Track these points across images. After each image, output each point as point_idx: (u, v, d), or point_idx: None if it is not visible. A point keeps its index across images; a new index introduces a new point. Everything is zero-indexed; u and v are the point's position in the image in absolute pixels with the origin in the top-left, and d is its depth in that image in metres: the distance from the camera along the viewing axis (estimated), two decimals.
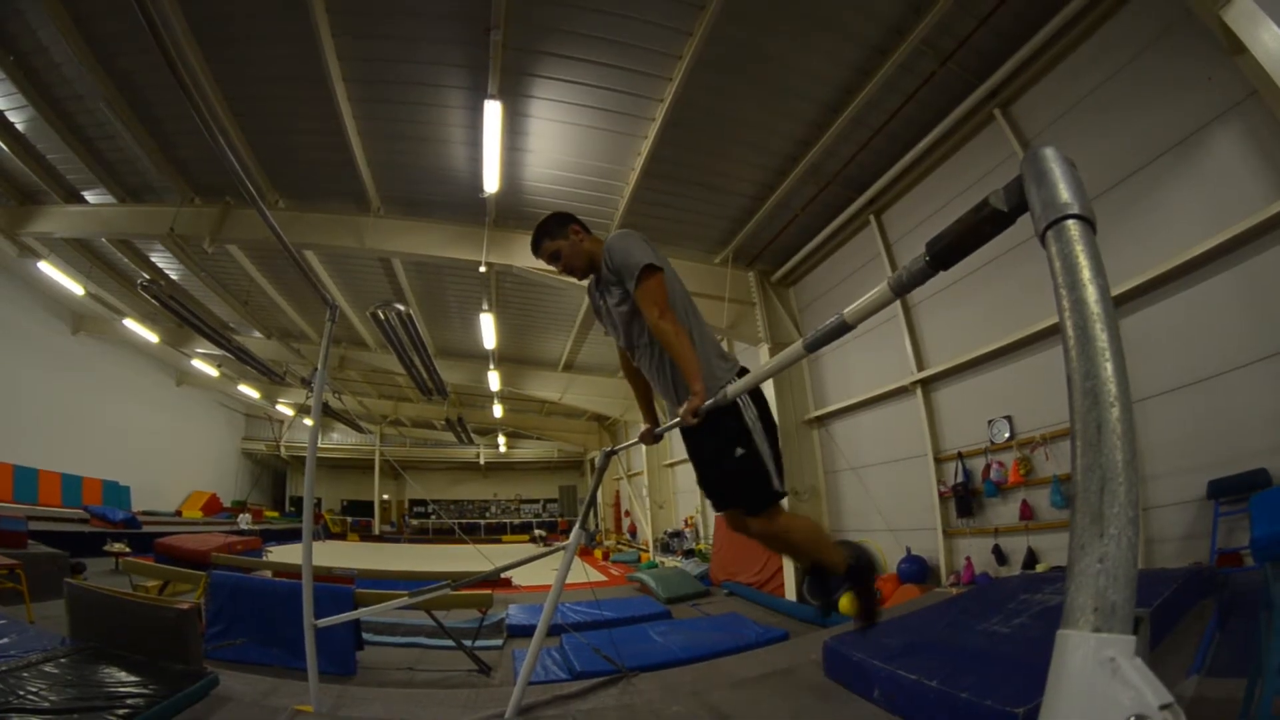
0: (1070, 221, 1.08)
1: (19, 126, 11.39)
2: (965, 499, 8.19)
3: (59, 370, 19.84)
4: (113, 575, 10.92)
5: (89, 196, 13.37)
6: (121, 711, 4.37)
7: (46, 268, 15.20)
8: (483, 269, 12.06)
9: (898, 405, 9.72)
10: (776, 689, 5.29)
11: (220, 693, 5.27)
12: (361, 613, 5.84)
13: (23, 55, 9.57)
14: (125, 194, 12.97)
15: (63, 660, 5.33)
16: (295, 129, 10.21)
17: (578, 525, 5.43)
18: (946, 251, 1.43)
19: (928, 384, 9.03)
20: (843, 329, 1.97)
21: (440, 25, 7.86)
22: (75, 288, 16.33)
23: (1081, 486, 0.92)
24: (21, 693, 4.46)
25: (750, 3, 6.95)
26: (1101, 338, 0.97)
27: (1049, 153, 1.15)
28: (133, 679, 4.98)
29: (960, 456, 8.38)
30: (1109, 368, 0.95)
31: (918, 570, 8.78)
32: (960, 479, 8.30)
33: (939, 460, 8.76)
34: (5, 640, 5.69)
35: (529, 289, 15.21)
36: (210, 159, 11.19)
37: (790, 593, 10.39)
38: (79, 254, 16.35)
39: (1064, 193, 1.11)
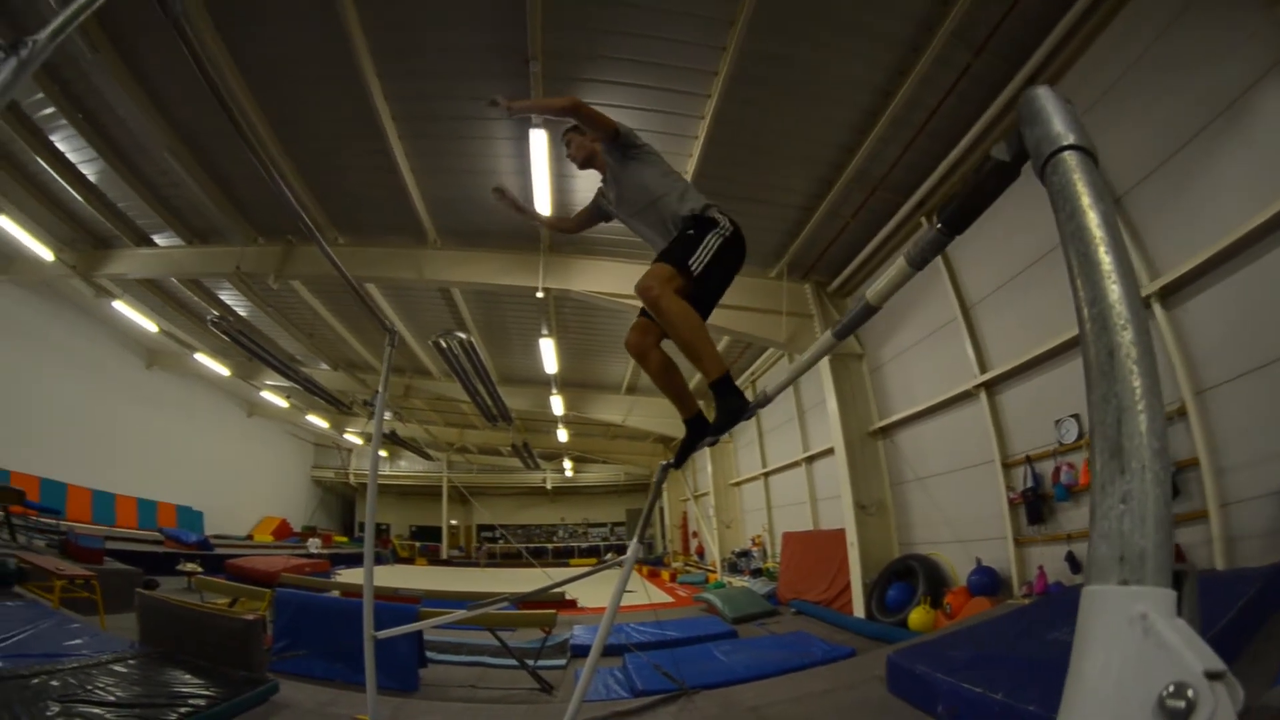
0: (1066, 153, 1.02)
1: (91, 177, 12.11)
2: (1035, 505, 7.80)
3: (135, 402, 20.94)
4: (185, 592, 11.33)
5: (158, 240, 14.06)
6: (183, 710, 4.65)
7: (121, 306, 16.15)
8: (540, 294, 12.22)
9: (962, 411, 9.37)
10: (837, 705, 5.16)
11: (280, 700, 5.50)
12: (419, 625, 5.94)
13: (90, 112, 10.19)
14: (192, 236, 13.60)
15: (131, 662, 5.67)
16: (350, 168, 10.58)
17: (634, 540, 5.41)
18: (958, 215, 1.38)
19: (991, 386, 8.69)
20: (867, 312, 1.92)
21: (480, 60, 8.08)
22: (149, 325, 17.39)
23: (1096, 421, 0.84)
24: (90, 688, 4.78)
25: (778, 14, 6.91)
26: (1105, 260, 0.90)
27: (1041, 92, 1.11)
28: (196, 681, 5.27)
29: (1029, 460, 7.98)
30: (1115, 290, 0.88)
31: (989, 582, 8.40)
32: (1029, 484, 7.90)
33: (1007, 465, 8.37)
34: (78, 641, 6.12)
35: (588, 313, 15.25)
36: (270, 200, 11.57)
37: (859, 609, 10.11)
38: (151, 293, 17.12)
39: (1056, 126, 1.06)
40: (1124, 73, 6.54)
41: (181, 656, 5.97)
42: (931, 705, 4.50)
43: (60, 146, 11.30)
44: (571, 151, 4.02)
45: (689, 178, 9.45)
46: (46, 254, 13.50)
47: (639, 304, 3.99)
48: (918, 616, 8.58)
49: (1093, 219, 0.93)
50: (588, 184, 10.04)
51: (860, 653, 7.41)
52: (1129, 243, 6.32)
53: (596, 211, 4.16)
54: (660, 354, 3.66)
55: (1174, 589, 0.72)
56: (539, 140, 8.64)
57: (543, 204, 9.78)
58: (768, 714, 5.00)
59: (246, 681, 5.55)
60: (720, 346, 15.83)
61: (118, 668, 5.50)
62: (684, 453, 3.87)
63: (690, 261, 3.23)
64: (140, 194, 12.21)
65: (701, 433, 3.60)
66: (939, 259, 9.35)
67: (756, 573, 15.94)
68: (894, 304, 10.22)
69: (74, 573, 9.03)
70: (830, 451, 12.02)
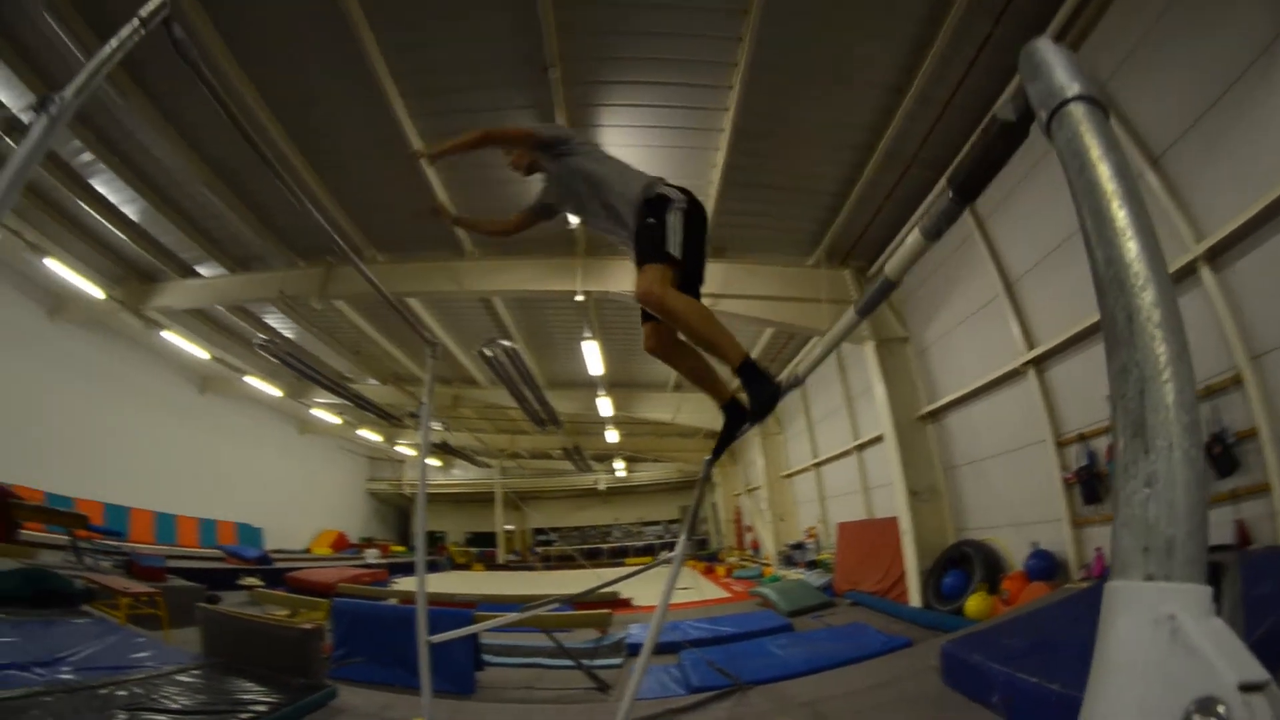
0: (1071, 105, 0.94)
1: (133, 216, 12.66)
2: (1090, 484, 7.47)
3: (191, 427, 21.67)
4: (246, 606, 11.67)
5: (202, 270, 14.58)
6: (244, 716, 4.85)
7: (170, 336, 16.81)
8: (579, 298, 12.30)
9: (1011, 390, 9.04)
10: (891, 698, 5.03)
11: (339, 705, 5.68)
12: (471, 629, 6.00)
13: (126, 154, 10.66)
14: (234, 264, 14.05)
15: (195, 672, 5.93)
16: (383, 188, 10.77)
17: (683, 536, 5.38)
18: (969, 181, 1.31)
19: (1040, 363, 8.31)
20: (887, 287, 1.85)
21: (499, 72, 8.16)
22: (199, 352, 18.01)
23: (1117, 394, 0.76)
24: (155, 697, 5.01)
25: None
26: (1119, 216, 0.81)
27: (1041, 44, 1.04)
28: (257, 689, 5.47)
29: (1082, 438, 7.65)
30: (1132, 247, 0.79)
31: (1046, 566, 8.06)
32: (1084, 462, 7.56)
33: (1060, 444, 8.02)
34: (144, 654, 6.40)
35: (630, 312, 15.10)
36: (308, 225, 11.64)
37: (915, 598, 9.88)
38: (200, 322, 17.78)
39: (1059, 78, 0.97)
40: (1152, 24, 6.17)
41: (242, 666, 6.17)
42: (987, 696, 4.33)
43: (101, 189, 11.83)
44: (516, 169, 4.07)
45: (718, 171, 9.48)
46: (97, 292, 14.01)
47: None
48: (974, 604, 8.31)
49: (1104, 172, 0.84)
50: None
51: (917, 643, 7.25)
52: (1169, 204, 6.02)
53: (540, 210, 4.18)
54: (681, 348, 3.62)
55: (1210, 584, 0.63)
56: None
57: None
58: (821, 709, 4.90)
59: (305, 688, 5.72)
60: (763, 339, 15.82)
61: (181, 678, 5.73)
62: (723, 443, 3.82)
63: (667, 248, 3.16)
64: (181, 228, 12.67)
65: (739, 420, 3.53)
66: (976, 233, 9.06)
67: (811, 565, 15.74)
68: (936, 283, 10.08)
69: (138, 590, 9.40)
70: (880, 438, 11.76)
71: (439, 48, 7.87)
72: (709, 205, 10.20)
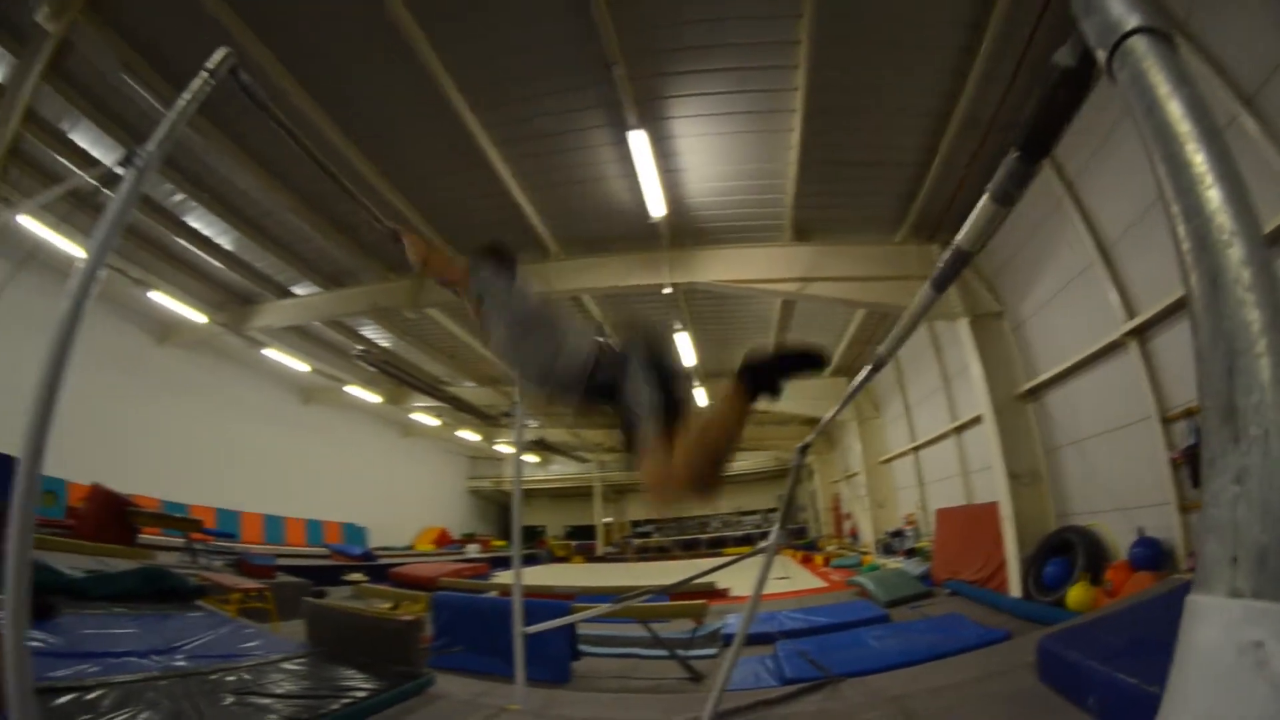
0: (1132, 39, 0.80)
1: (227, 246, 13.64)
2: (1199, 464, 6.78)
3: (296, 435, 23.10)
4: (350, 600, 12.26)
5: (297, 290, 15.51)
6: (345, 700, 5.13)
7: (272, 353, 18.18)
8: (667, 290, 12.35)
9: (1111, 364, 8.37)
10: (983, 695, 4.79)
11: (436, 691, 5.91)
12: (564, 620, 6.30)
13: (215, 190, 11.43)
14: (327, 282, 14.87)
15: (300, 661, 6.31)
16: (463, 198, 11.10)
17: (776, 526, 5.36)
18: (1035, 137, 1.18)
19: (1142, 333, 7.64)
20: (961, 258, 1.70)
21: (563, 75, 8.24)
22: (301, 366, 19.39)
23: (1203, 373, 0.64)
24: (262, 683, 5.37)
25: None
26: (1196, 160, 0.68)
27: None
28: (358, 676, 5.77)
29: (1189, 414, 7.01)
30: (1213, 197, 0.66)
31: (1152, 554, 7.41)
32: (1191, 440, 6.91)
33: (1165, 420, 7.37)
34: (253, 645, 6.88)
35: (720, 301, 15.22)
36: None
37: (1015, 588, 9.37)
38: (299, 338, 18.80)
39: (1116, 9, 0.83)
40: None
41: (345, 655, 6.48)
42: (1082, 697, 4.00)
43: (195, 225, 12.82)
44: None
45: (794, 153, 9.31)
46: (200, 318, 15.39)
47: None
48: (1076, 595, 7.76)
49: (1174, 111, 0.71)
50: (698, 174, 10.10)
51: (1015, 636, 6.88)
52: (1269, 148, 5.40)
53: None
54: (691, 445, 2.44)
55: None
56: (639, 141, 8.69)
57: (658, 202, 10.06)
58: (910, 704, 4.71)
59: (404, 675, 5.97)
60: (854, 321, 15.73)
61: (287, 666, 6.08)
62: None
63: (643, 407, 2.54)
64: (273, 253, 13.50)
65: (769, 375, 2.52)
66: (1065, 195, 8.52)
67: (910, 553, 15.22)
68: (1030, 253, 9.56)
69: (248, 586, 10.06)
70: (979, 419, 11.25)
71: (503, 59, 8.00)
72: (789, 189, 10.10)
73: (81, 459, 10.69)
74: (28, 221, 10.06)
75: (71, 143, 10.26)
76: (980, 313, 10.81)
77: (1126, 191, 7.53)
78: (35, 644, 5.09)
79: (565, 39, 7.64)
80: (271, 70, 8.17)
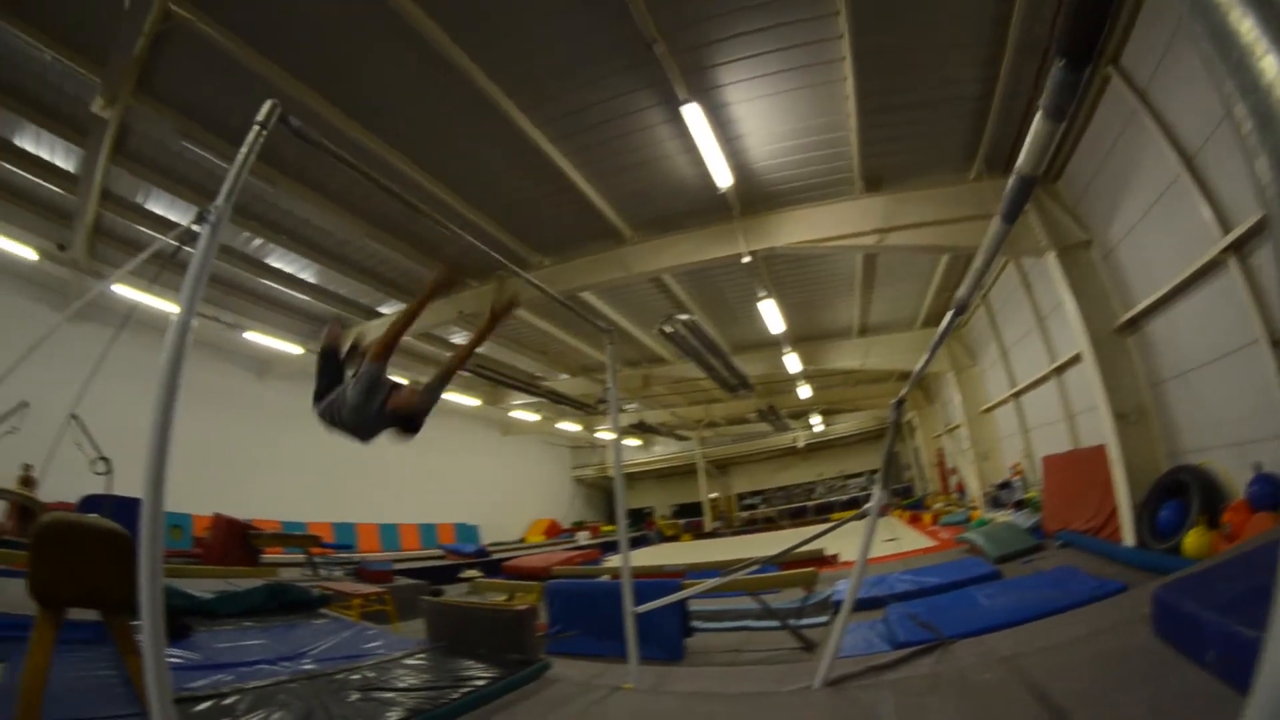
0: None
1: (311, 280, 14.71)
2: None
3: (399, 446, 23.72)
4: (466, 595, 12.63)
5: (383, 310, 16.40)
6: (465, 689, 5.37)
7: None
8: (746, 260, 12.36)
9: (1211, 285, 7.59)
10: (1097, 652, 4.56)
11: (552, 676, 6.09)
12: (672, 597, 6.33)
13: (290, 230, 12.30)
14: (411, 298, 15.13)
15: (420, 656, 6.64)
16: (531, 197, 11.41)
17: (877, 488, 5.30)
18: (1077, 42, 1.10)
19: (1240, 247, 6.86)
20: (1026, 185, 1.62)
21: (605, 62, 8.32)
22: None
23: None
24: (386, 678, 5.72)
25: None
26: (1245, 28, 0.62)
27: None
28: (477, 666, 6.05)
29: None
30: (1271, 64, 0.59)
31: (1271, 492, 6.62)
32: None
33: (1276, 343, 6.59)
34: (375, 645, 7.26)
35: (800, 264, 15.11)
36: (471, 249, 12.53)
37: (1128, 536, 8.79)
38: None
39: None
40: None
41: (463, 648, 6.75)
42: (1201, 652, 3.67)
43: (277, 265, 13.87)
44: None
45: (852, 102, 9.18)
46: (296, 349, 16.56)
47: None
48: (1193, 541, 7.14)
49: None
50: (758, 139, 10.05)
51: (1131, 587, 6.42)
52: None
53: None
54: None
55: None
56: (693, 114, 8.70)
57: (723, 172, 10.05)
58: (1021, 664, 4.53)
59: (521, 662, 6.18)
60: (939, 269, 15.51)
61: (409, 661, 6.39)
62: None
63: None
64: (355, 278, 14.37)
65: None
66: (1139, 106, 7.89)
67: (1019, 505, 14.62)
68: (1110, 174, 9.08)
69: (368, 591, 10.53)
70: (1078, 358, 10.70)
71: (540, 56, 8.17)
72: (852, 140, 9.98)
73: (203, 493, 11.50)
74: (122, 289, 10.86)
75: (148, 211, 11.39)
76: (1067, 244, 10.16)
77: (1203, 94, 6.83)
78: (174, 660, 5.61)
79: (598, 26, 7.68)
80: (321, 110, 8.59)
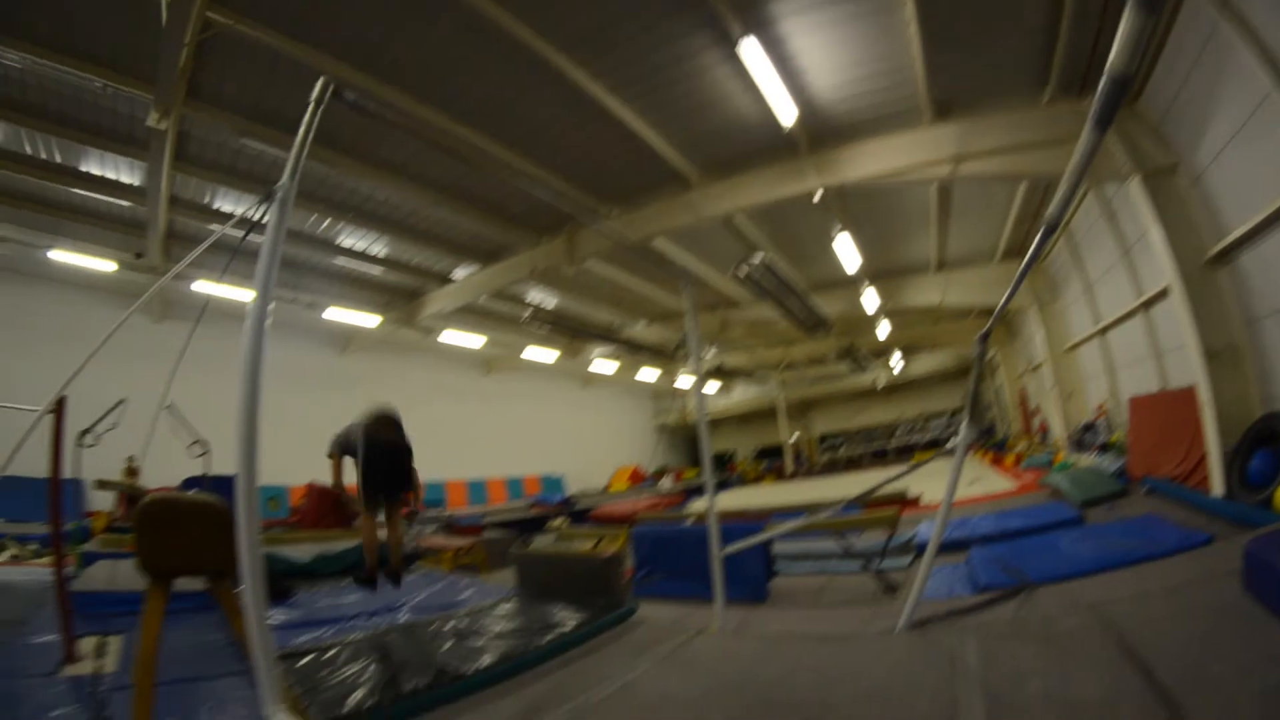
0: None
1: (381, 254, 15.30)
2: None
3: (483, 403, 25.79)
4: (555, 544, 13.02)
5: (456, 274, 16.91)
6: (554, 633, 5.66)
7: (449, 335, 19.99)
8: (817, 197, 12.27)
9: None
10: (1183, 605, 4.44)
11: (639, 619, 6.33)
12: (756, 539, 6.57)
13: (357, 208, 12.86)
14: (484, 259, 16.06)
15: (511, 603, 6.99)
16: (594, 149, 11.48)
17: (964, 427, 5.24)
18: None
19: None
20: (1120, 86, 1.56)
21: (656, 4, 8.23)
22: (477, 340, 21.18)
23: None
24: (478, 626, 6.08)
25: None
26: None
27: None
28: (566, 611, 6.31)
29: None
30: None
31: None
32: None
33: None
34: (468, 594, 7.71)
35: (873, 198, 14.73)
36: (539, 205, 13.22)
37: (1217, 485, 8.32)
38: (469, 315, 20.39)
39: None
40: None
41: (552, 594, 7.03)
42: None
43: (348, 243, 14.50)
44: None
45: (913, 27, 8.83)
46: (374, 320, 17.32)
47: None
48: None
49: None
50: (819, 71, 9.86)
51: (1218, 539, 6.19)
52: None
53: None
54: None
55: None
56: (751, 49, 8.58)
57: (787, 106, 9.92)
58: (1108, 612, 4.46)
59: (608, 606, 6.40)
60: (1017, 198, 14.97)
61: (500, 609, 6.74)
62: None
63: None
64: (427, 246, 14.85)
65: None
66: (1219, 16, 7.21)
67: (1104, 448, 14.16)
68: (1193, 91, 8.70)
69: (459, 545, 11.21)
70: (1166, 291, 10.10)
71: (589, 8, 8.17)
72: (917, 66, 9.64)
73: (298, 465, 12.13)
74: (202, 285, 11.50)
75: (218, 211, 12.11)
76: (1152, 168, 9.46)
77: None
78: (278, 619, 6.31)
79: None
80: (373, 88, 8.91)
